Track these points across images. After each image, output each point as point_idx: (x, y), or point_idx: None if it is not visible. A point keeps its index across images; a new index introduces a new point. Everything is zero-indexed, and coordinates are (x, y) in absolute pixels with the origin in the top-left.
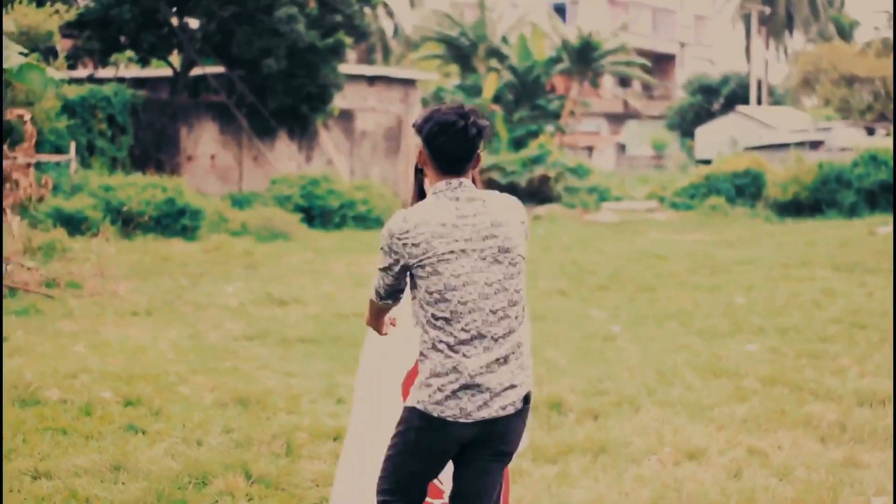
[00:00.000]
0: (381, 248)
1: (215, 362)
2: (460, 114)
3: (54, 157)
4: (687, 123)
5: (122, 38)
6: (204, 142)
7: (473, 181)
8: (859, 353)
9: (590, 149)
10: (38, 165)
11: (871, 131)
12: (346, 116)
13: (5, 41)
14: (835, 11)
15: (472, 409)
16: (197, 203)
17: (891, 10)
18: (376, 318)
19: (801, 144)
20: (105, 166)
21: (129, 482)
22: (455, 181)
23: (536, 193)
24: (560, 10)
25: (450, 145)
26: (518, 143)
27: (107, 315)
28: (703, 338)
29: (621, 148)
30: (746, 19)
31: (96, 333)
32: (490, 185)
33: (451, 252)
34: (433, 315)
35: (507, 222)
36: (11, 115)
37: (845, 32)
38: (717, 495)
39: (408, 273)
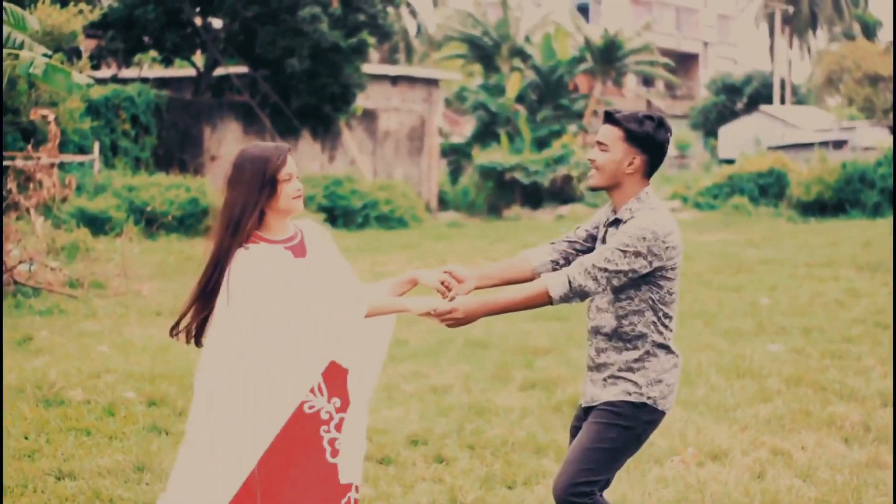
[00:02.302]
0: (635, 251)
1: None
2: None
3: (78, 158)
4: (710, 123)
5: (146, 38)
6: (227, 142)
7: None
8: (883, 354)
9: None
10: (61, 166)
11: (894, 130)
12: (370, 116)
13: (29, 42)
14: (859, 10)
15: (674, 402)
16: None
17: None
18: (506, 311)
19: (824, 144)
20: (128, 166)
21: (152, 483)
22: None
23: (559, 193)
24: (583, 10)
25: (666, 152)
26: (541, 143)
27: (130, 315)
28: (727, 338)
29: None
30: (770, 18)
31: (120, 333)
32: (512, 184)
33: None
34: (665, 314)
35: None
36: (35, 115)
37: (869, 31)
38: (740, 496)
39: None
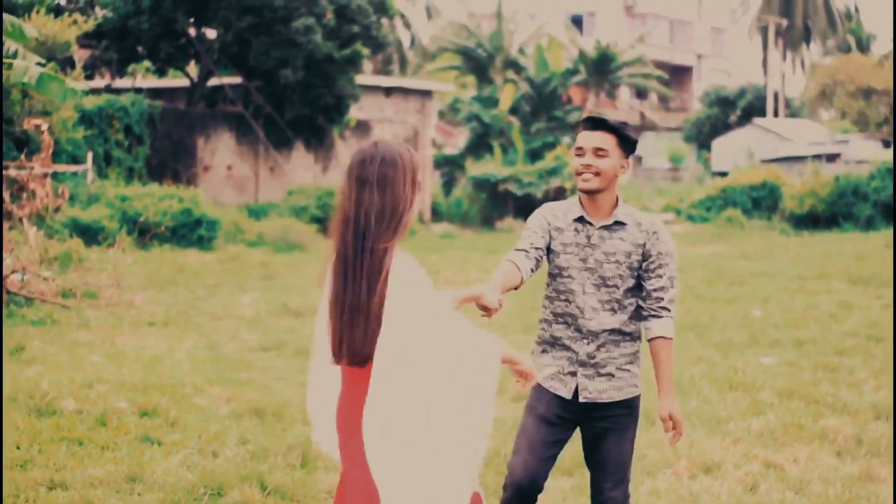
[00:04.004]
0: (675, 255)
1: (231, 373)
2: None
3: (71, 168)
4: (704, 135)
5: (140, 49)
6: (220, 152)
7: None
8: (876, 367)
9: None
10: (54, 175)
11: (888, 144)
12: (363, 127)
13: (22, 51)
14: (852, 24)
15: None
16: (213, 213)
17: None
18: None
19: (817, 157)
20: (122, 176)
21: (144, 493)
22: None
23: None
24: (577, 22)
25: None
26: (535, 155)
27: (123, 325)
28: (720, 350)
29: (638, 160)
30: (764, 31)
31: (112, 344)
32: (506, 196)
33: None
34: None
35: None
36: (29, 124)
37: (863, 45)
38: None
39: None
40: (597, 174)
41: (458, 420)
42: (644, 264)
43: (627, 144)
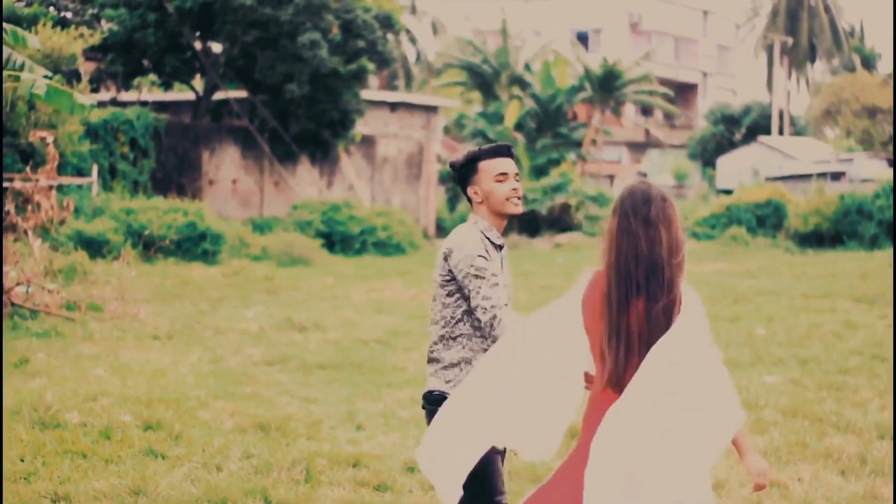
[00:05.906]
0: None
1: (235, 387)
2: None
3: (76, 180)
4: (708, 153)
5: (146, 62)
6: (225, 166)
7: None
8: (880, 386)
9: (611, 177)
10: (59, 188)
11: (892, 163)
12: (368, 142)
13: (29, 64)
14: (857, 42)
15: None
16: (218, 227)
17: None
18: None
19: (822, 175)
20: (126, 189)
21: None
22: None
23: (557, 221)
24: (583, 39)
25: None
26: (539, 171)
27: (127, 338)
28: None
29: (642, 177)
30: (769, 49)
31: (116, 357)
32: None
33: None
34: None
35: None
36: (34, 137)
37: (868, 63)
38: None
39: None
40: (521, 197)
41: (678, 466)
42: None
43: None
